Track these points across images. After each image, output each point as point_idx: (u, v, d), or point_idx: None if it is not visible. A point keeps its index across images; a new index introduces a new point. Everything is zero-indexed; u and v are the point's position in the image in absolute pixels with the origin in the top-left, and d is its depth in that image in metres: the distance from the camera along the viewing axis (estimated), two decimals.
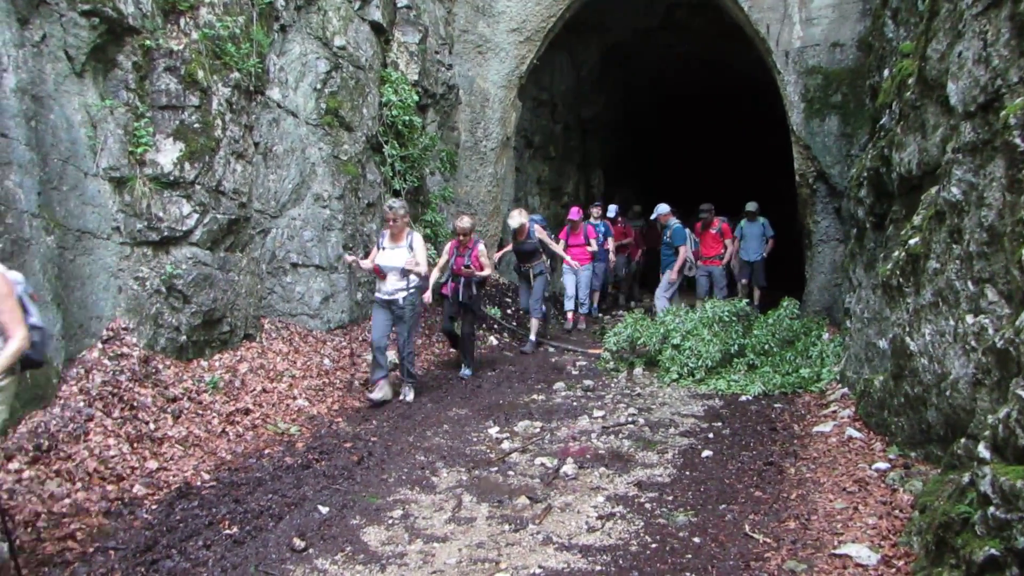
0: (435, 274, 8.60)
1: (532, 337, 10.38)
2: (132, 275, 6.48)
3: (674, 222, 11.62)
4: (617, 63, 17.38)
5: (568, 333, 11.67)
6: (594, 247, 11.93)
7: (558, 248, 10.94)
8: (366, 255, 8.35)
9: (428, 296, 8.02)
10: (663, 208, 11.77)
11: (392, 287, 7.44)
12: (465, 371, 8.73)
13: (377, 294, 7.61)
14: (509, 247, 10.80)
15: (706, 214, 12.30)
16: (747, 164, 22.89)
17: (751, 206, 12.94)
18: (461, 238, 8.61)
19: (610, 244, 13.14)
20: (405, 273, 7.40)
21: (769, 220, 13.23)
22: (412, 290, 7.47)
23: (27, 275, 5.13)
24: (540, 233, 10.42)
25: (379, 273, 7.53)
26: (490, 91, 12.62)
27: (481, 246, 8.71)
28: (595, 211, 13.26)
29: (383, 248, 7.57)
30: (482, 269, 8.66)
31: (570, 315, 11.94)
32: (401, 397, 7.50)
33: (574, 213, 11.99)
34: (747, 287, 13.05)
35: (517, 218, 10.22)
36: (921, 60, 5.55)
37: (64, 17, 5.94)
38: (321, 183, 8.85)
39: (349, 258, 7.76)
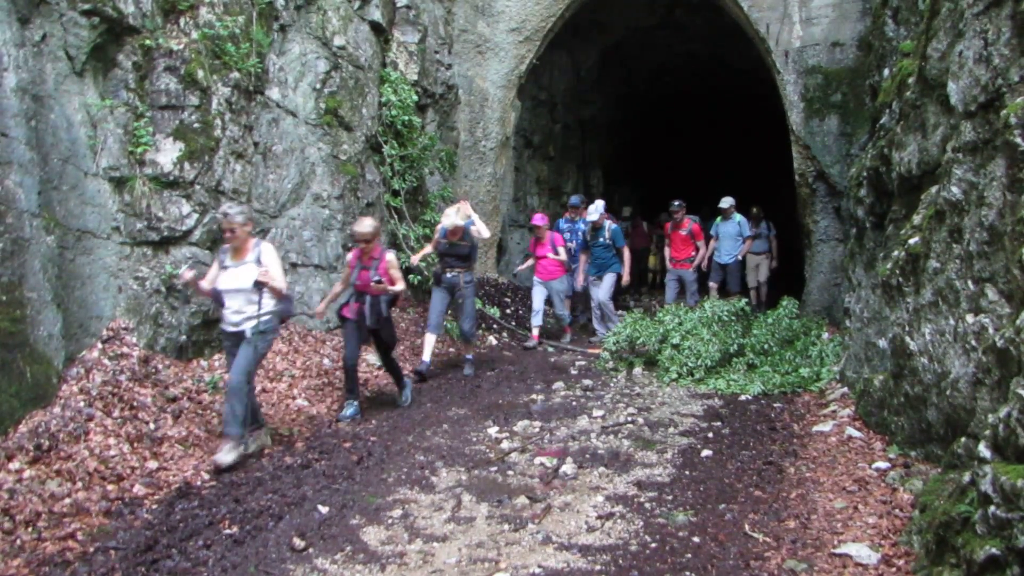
0: (336, 288, 7.37)
1: (470, 356, 8.95)
2: (132, 275, 6.48)
3: (611, 223, 10.95)
4: (617, 62, 17.39)
5: (529, 352, 10.27)
6: (562, 256, 10.64)
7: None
8: None
9: (323, 309, 7.13)
10: (601, 206, 10.87)
11: (238, 316, 5.71)
12: (406, 395, 7.44)
13: (222, 325, 5.86)
14: (427, 249, 9.16)
15: (676, 212, 11.60)
16: (747, 163, 22.90)
17: (725, 202, 12.17)
18: (363, 245, 6.97)
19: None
20: (258, 289, 5.65)
21: (767, 219, 13.10)
22: (267, 316, 5.74)
23: (27, 275, 5.15)
24: (476, 236, 8.92)
25: (217, 299, 5.80)
26: (489, 91, 12.62)
27: (390, 255, 7.05)
28: (571, 210, 11.92)
29: (225, 267, 5.79)
30: (393, 283, 7.01)
31: (535, 332, 10.64)
32: (217, 456, 5.43)
33: (538, 219, 10.73)
34: (717, 292, 12.09)
35: (453, 217, 8.46)
36: (921, 59, 5.55)
37: (64, 17, 5.94)
38: (320, 183, 8.85)
39: (187, 274, 5.74)
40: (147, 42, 6.66)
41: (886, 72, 7.49)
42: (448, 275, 8.68)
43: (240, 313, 5.72)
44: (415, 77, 10.62)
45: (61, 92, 5.98)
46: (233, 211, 5.68)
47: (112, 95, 6.47)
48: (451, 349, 9.83)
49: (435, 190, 11.27)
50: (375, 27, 10.01)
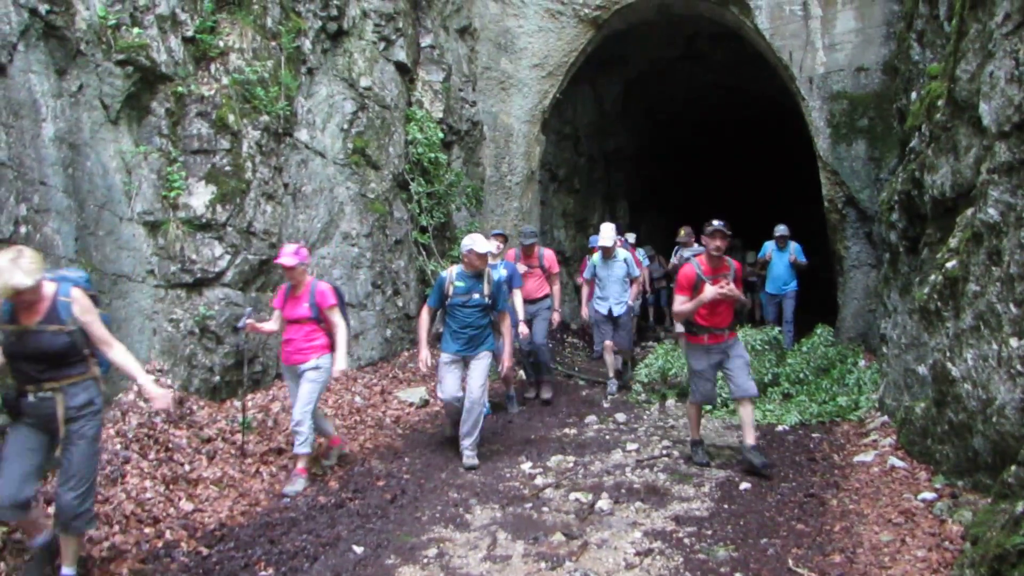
0: None
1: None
2: (166, 317, 6.56)
3: (501, 271, 7.45)
4: (640, 94, 17.46)
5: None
6: (338, 323, 6.07)
7: (130, 364, 4.39)
8: (395, 292, 8.15)
9: None
10: (489, 242, 6.84)
11: None
12: None
13: None
14: None
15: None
16: (775, 190, 22.78)
17: (605, 233, 9.13)
18: None
19: (518, 298, 8.32)
20: None
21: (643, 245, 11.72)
22: None
23: None
24: (84, 311, 4.16)
25: None
26: (514, 126, 12.72)
27: None
28: (495, 243, 7.89)
29: None
30: None
31: (300, 465, 5.97)
32: None
33: (289, 255, 5.93)
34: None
35: (7, 272, 3.79)
36: (950, 81, 5.50)
37: (100, 67, 6.11)
38: (349, 221, 8.94)
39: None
40: (179, 89, 6.81)
41: (914, 95, 7.43)
42: (32, 398, 4.08)
43: None
44: (440, 115, 10.74)
45: (97, 140, 6.12)
46: None
47: (146, 141, 6.61)
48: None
49: (462, 226, 11.32)
50: (400, 67, 10.16)
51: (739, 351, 6.21)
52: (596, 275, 9.27)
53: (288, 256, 5.92)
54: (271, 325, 6.20)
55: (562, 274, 10.69)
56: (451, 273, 6.61)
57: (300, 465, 5.96)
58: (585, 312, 9.66)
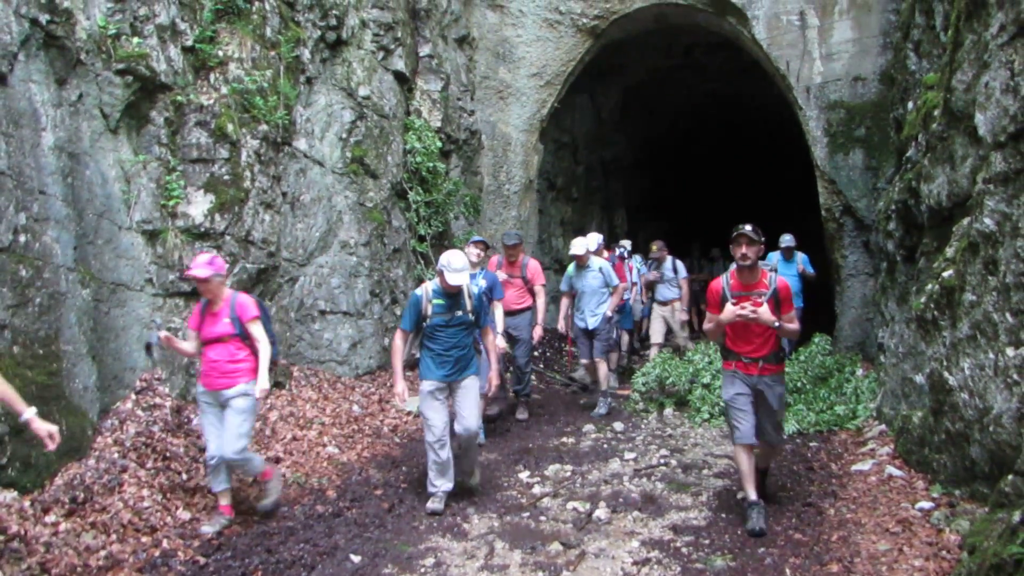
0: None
1: None
2: (165, 326, 6.53)
3: (478, 284, 6.69)
4: (637, 103, 17.52)
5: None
6: (259, 339, 5.39)
7: (10, 395, 3.88)
8: (393, 301, 8.12)
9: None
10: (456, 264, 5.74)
11: None
12: None
13: None
14: None
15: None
16: (772, 197, 22.82)
17: (577, 241, 8.92)
18: None
19: (499, 311, 7.73)
20: None
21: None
22: None
23: (63, 328, 5.23)
24: None
25: None
26: (512, 135, 12.75)
27: None
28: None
29: None
30: None
31: (222, 502, 5.36)
32: None
33: (202, 266, 5.21)
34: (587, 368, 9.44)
35: None
36: (946, 91, 5.53)
37: (99, 76, 6.12)
38: (347, 230, 8.95)
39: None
40: (178, 98, 6.83)
41: (910, 105, 7.46)
42: None
43: None
44: (439, 124, 10.76)
45: (96, 149, 6.13)
46: None
47: (145, 150, 6.63)
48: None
49: (461, 235, 11.33)
50: (399, 76, 10.19)
51: (772, 398, 5.25)
52: (572, 286, 8.96)
53: (201, 267, 5.18)
54: (188, 346, 5.46)
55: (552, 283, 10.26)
56: (427, 291, 5.84)
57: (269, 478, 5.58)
58: (561, 325, 9.38)
